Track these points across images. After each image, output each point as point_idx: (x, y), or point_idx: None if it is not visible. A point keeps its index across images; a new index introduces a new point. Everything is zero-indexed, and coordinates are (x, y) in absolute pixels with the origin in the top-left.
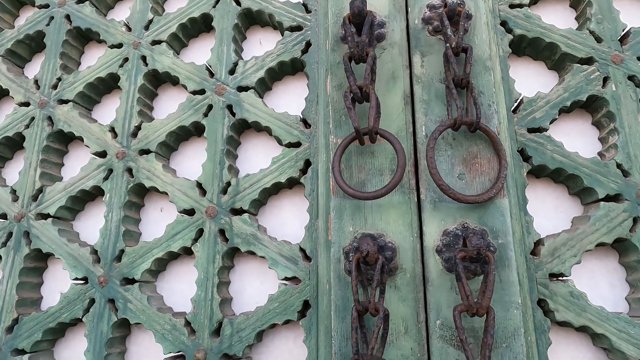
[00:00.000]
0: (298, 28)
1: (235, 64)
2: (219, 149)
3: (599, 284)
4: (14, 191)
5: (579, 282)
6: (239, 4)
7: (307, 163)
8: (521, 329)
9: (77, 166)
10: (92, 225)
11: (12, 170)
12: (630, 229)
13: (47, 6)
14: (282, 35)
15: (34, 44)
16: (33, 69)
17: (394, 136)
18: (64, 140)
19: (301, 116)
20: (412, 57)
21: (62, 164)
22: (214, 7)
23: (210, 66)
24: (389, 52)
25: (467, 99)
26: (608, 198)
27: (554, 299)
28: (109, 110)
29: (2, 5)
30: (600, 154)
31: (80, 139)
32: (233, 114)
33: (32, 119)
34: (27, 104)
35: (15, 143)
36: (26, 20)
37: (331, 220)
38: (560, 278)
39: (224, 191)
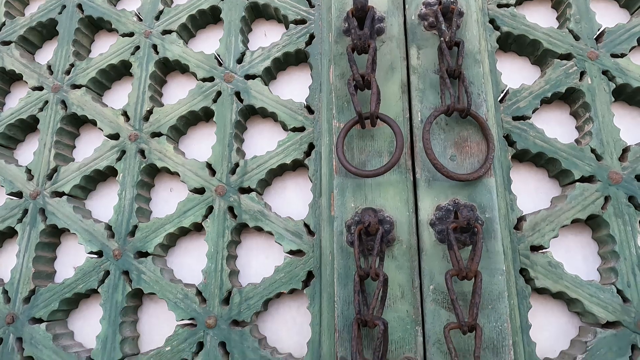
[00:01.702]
0: (302, 21)
1: (243, 54)
2: (227, 133)
3: (574, 257)
4: (28, 170)
5: (556, 255)
6: None
7: (311, 146)
8: (505, 293)
9: (89, 148)
10: (103, 204)
11: (23, 152)
12: (602, 206)
13: None
14: (287, 28)
15: (45, 31)
16: (43, 55)
17: (392, 120)
18: (76, 124)
19: (305, 103)
20: (409, 49)
21: (74, 146)
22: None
23: (219, 55)
24: (387, 45)
25: (459, 88)
26: (583, 179)
27: (534, 268)
28: (118, 97)
29: None
30: (576, 141)
31: (93, 122)
32: (241, 100)
33: (46, 102)
34: (40, 88)
35: (28, 126)
36: (38, 8)
37: (334, 197)
38: (540, 251)
39: (233, 171)
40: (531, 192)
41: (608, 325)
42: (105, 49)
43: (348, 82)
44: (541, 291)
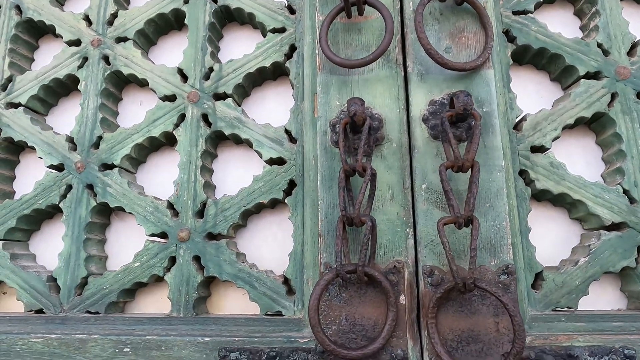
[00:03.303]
0: None
1: None
2: (200, 35)
3: (577, 162)
4: None
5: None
6: None
7: (292, 48)
8: (504, 190)
9: (49, 61)
10: (67, 120)
11: None
12: (608, 104)
13: None
14: None
15: None
16: None
17: (381, 2)
18: (34, 33)
19: (286, 2)
20: None
21: (33, 59)
22: None
23: None
24: None
25: None
26: (588, 76)
27: (535, 169)
28: (81, 6)
29: None
30: (582, 39)
31: (52, 29)
32: (215, 1)
33: None
34: None
35: None
36: None
37: (317, 97)
38: (542, 152)
39: (207, 77)
40: (532, 95)
41: (613, 227)
42: None
43: None
44: (541, 197)
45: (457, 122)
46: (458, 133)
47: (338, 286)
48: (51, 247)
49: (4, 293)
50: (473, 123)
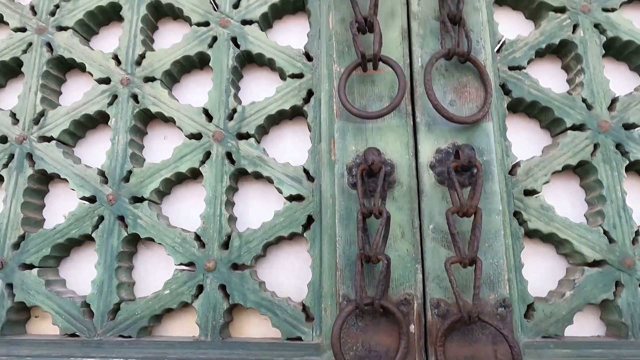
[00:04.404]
0: None
1: None
2: (224, 78)
3: (562, 203)
4: (13, 114)
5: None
6: None
7: (309, 93)
8: (501, 232)
9: (76, 96)
10: (92, 152)
11: (5, 98)
12: (591, 153)
13: None
14: None
15: None
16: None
17: (395, 61)
18: (62, 69)
19: (304, 50)
20: None
21: (61, 92)
22: None
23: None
24: None
25: (459, 33)
26: (574, 127)
27: (527, 211)
28: (107, 42)
29: None
30: (568, 92)
31: (81, 66)
32: (237, 46)
33: (30, 44)
34: (23, 30)
35: (10, 69)
36: None
37: (335, 141)
38: (533, 195)
39: (230, 117)
40: (524, 141)
41: (594, 264)
42: None
43: (350, 24)
44: (532, 235)
45: (461, 170)
46: (462, 179)
47: (355, 316)
48: (80, 272)
49: (36, 317)
50: (475, 171)
